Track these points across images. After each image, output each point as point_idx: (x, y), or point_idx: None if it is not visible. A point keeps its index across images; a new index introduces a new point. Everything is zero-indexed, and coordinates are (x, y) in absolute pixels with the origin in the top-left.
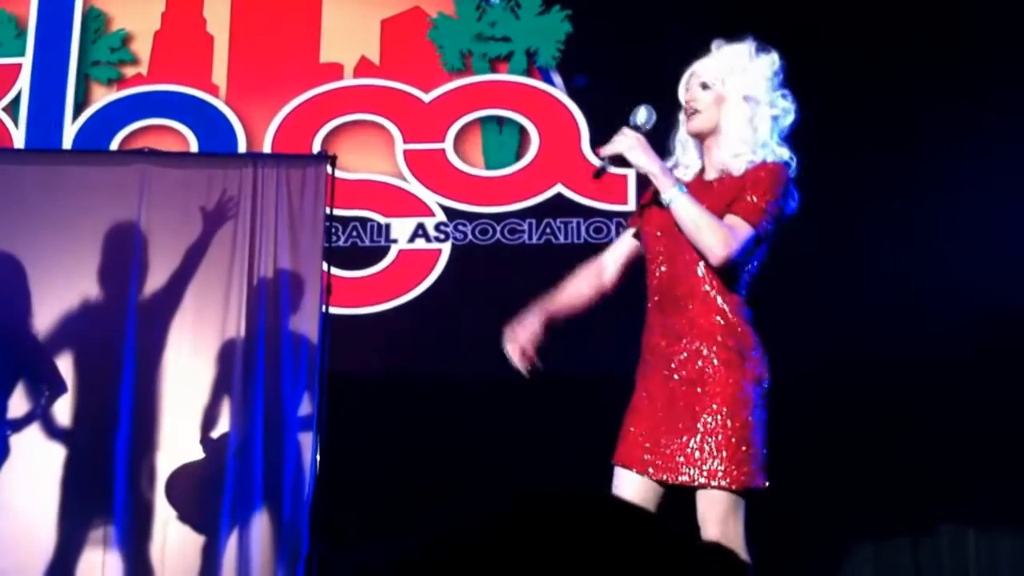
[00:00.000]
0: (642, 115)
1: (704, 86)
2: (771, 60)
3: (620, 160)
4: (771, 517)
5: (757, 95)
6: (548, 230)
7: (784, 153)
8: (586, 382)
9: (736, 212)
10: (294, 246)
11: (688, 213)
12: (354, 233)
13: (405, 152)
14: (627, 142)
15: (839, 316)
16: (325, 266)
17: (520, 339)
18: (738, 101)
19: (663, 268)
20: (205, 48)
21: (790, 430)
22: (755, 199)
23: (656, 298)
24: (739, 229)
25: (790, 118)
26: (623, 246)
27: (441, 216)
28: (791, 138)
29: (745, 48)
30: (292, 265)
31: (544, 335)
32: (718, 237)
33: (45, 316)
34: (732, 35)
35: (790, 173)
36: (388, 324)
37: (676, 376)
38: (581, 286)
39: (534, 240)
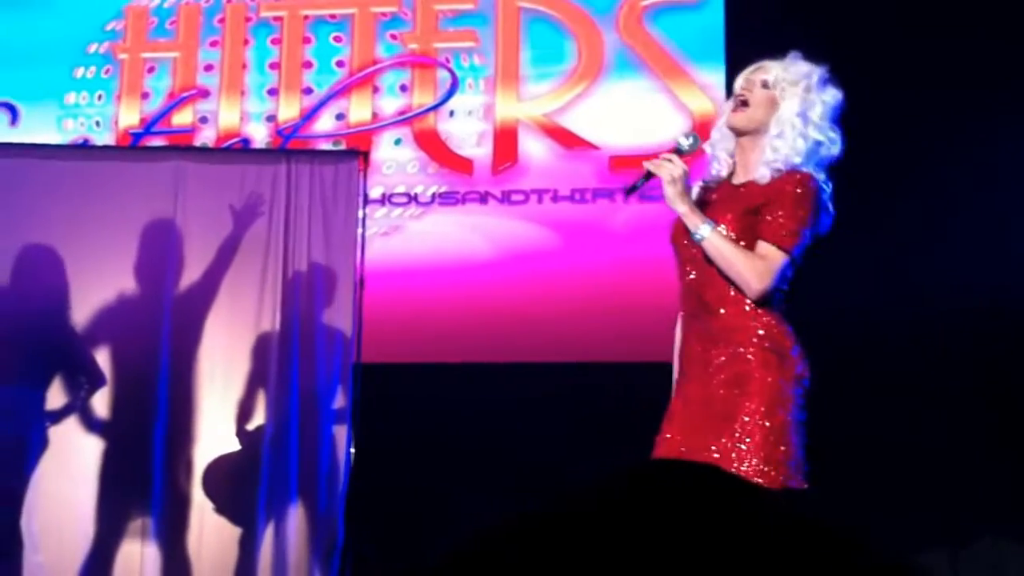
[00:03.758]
0: (687, 142)
1: (765, 84)
2: (835, 94)
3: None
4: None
5: (812, 116)
6: (592, 213)
7: (820, 177)
8: (625, 372)
9: (767, 238)
10: (327, 240)
11: (720, 250)
12: (387, 224)
13: (440, 141)
14: (671, 171)
15: (870, 309)
16: (358, 260)
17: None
18: (792, 113)
19: (693, 275)
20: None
21: (818, 432)
22: (786, 220)
23: (688, 304)
24: (773, 259)
25: (835, 150)
26: None
27: (477, 207)
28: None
29: (818, 71)
30: (325, 259)
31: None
32: (753, 271)
33: (84, 310)
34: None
35: (820, 184)
36: (422, 316)
37: (714, 380)
38: None
39: (575, 227)
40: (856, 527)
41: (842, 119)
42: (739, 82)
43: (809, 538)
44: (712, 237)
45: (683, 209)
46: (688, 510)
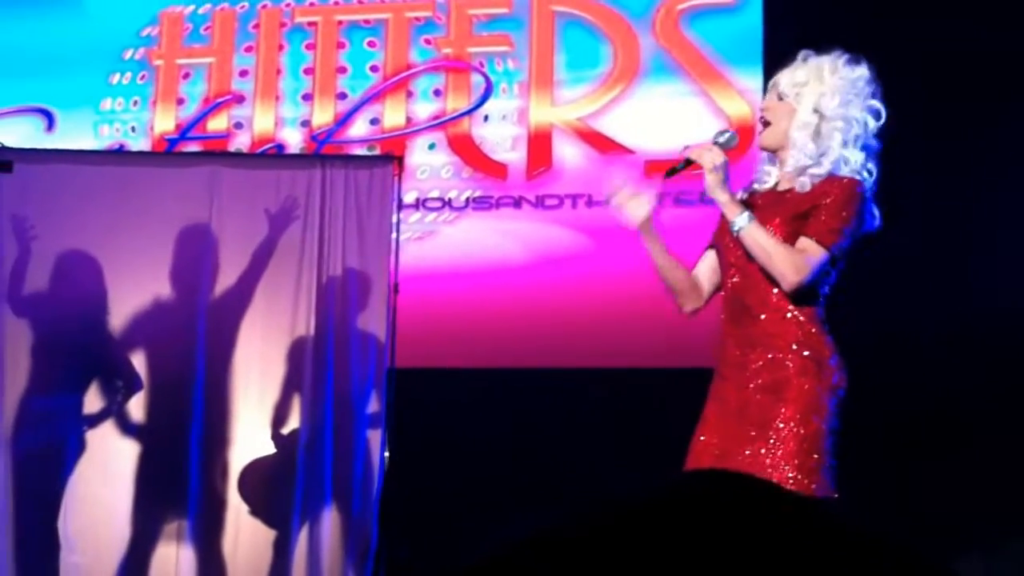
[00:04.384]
0: (724, 137)
1: (780, 97)
2: (857, 72)
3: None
4: None
5: (830, 108)
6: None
7: (858, 162)
8: (660, 378)
9: (809, 234)
10: (361, 245)
11: (757, 241)
12: (421, 229)
13: (474, 146)
14: (713, 159)
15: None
16: (392, 265)
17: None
18: (807, 113)
19: (735, 279)
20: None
21: (853, 439)
22: (828, 219)
23: (729, 309)
24: (812, 253)
25: (871, 126)
26: (707, 264)
27: (511, 211)
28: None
29: (828, 60)
30: (360, 264)
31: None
32: (790, 263)
33: (120, 315)
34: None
35: (866, 188)
36: (456, 321)
37: (751, 385)
38: (687, 276)
39: (609, 232)
40: (891, 533)
41: (882, 115)
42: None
43: (846, 545)
44: (750, 228)
45: (723, 198)
46: (729, 518)
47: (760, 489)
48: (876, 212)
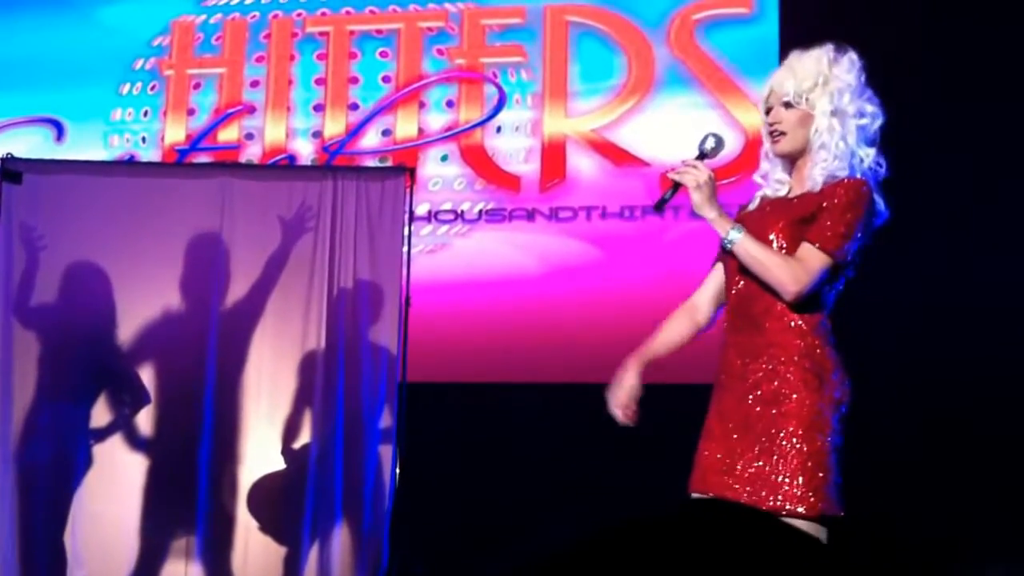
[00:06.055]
0: (710, 143)
1: (787, 105)
2: (850, 61)
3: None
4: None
5: (843, 106)
6: (642, 230)
7: (868, 156)
8: (674, 393)
9: (811, 240)
10: (373, 257)
11: (751, 253)
12: (433, 242)
13: (487, 157)
14: (696, 177)
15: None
16: (404, 277)
17: (620, 400)
18: (826, 117)
19: (741, 284)
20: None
21: (867, 452)
22: (833, 223)
23: (732, 317)
24: (812, 261)
25: (878, 122)
26: (713, 281)
27: (524, 224)
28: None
29: (823, 55)
30: (371, 276)
31: (641, 386)
32: (788, 273)
33: (130, 327)
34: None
35: (872, 185)
36: (469, 335)
37: (751, 396)
38: (679, 328)
39: (624, 244)
40: (908, 547)
41: (901, 125)
42: (762, 113)
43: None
44: (743, 240)
45: (711, 215)
46: (730, 549)
47: (758, 522)
48: (883, 206)
